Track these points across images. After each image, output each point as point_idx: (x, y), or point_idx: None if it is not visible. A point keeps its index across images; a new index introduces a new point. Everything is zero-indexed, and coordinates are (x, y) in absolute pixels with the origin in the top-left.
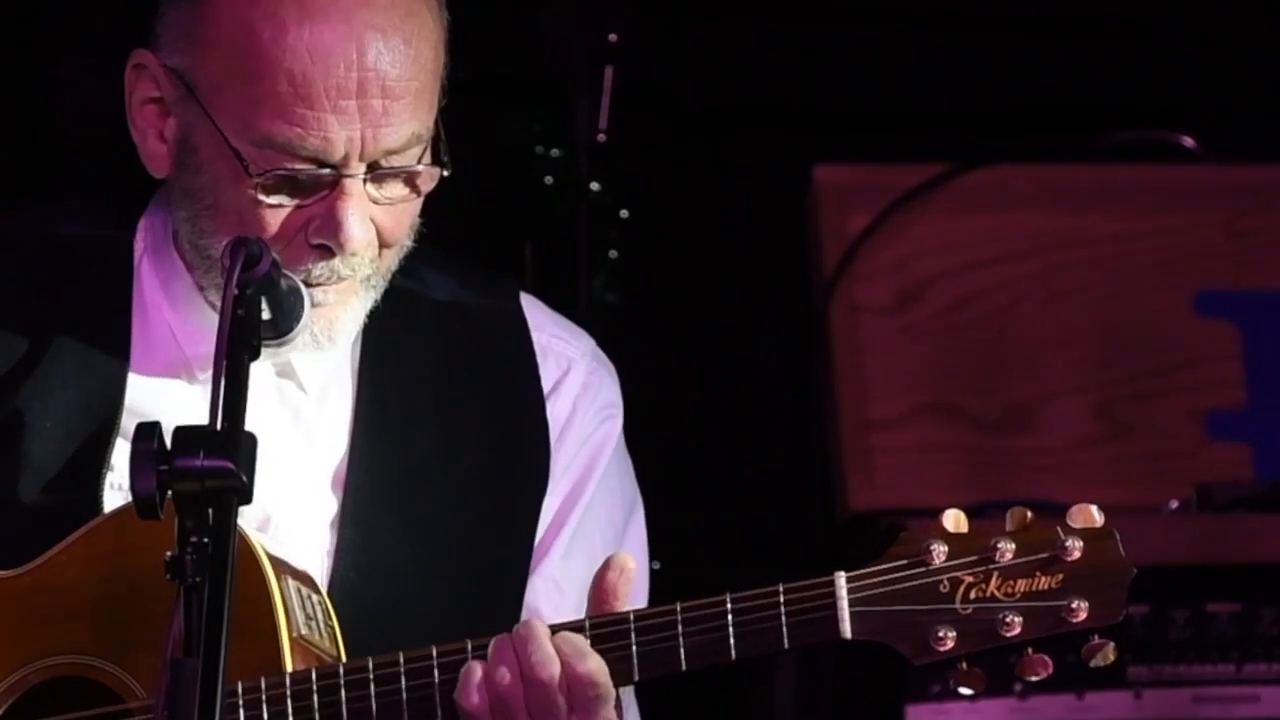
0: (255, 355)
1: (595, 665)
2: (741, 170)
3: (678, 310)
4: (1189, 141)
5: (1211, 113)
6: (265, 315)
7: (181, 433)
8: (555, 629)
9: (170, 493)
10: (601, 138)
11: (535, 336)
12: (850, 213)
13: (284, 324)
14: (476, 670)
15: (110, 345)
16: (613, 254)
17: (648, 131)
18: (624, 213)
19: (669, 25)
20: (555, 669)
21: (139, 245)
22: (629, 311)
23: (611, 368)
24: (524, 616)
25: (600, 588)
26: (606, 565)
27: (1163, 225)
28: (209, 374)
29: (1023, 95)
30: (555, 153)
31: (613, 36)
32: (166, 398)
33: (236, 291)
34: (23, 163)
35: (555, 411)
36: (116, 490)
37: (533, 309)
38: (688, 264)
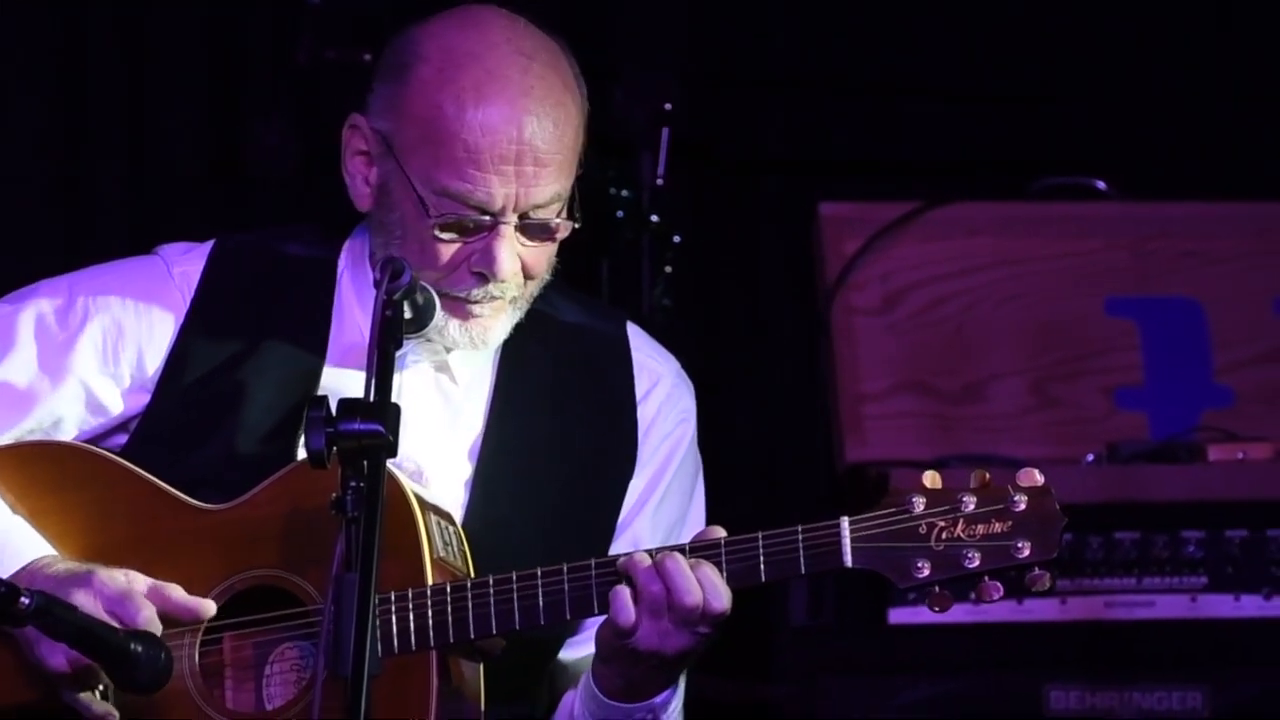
0: (399, 346)
1: (728, 600)
2: (765, 206)
3: (717, 311)
4: (1102, 184)
5: (1120, 162)
6: (407, 315)
7: (344, 403)
8: (661, 550)
9: (335, 449)
10: (660, 182)
11: (634, 355)
12: (847, 238)
13: (422, 321)
14: (624, 592)
15: (313, 339)
16: (668, 269)
17: (695, 177)
18: (677, 238)
19: (711, 97)
20: (698, 595)
21: (341, 263)
22: (680, 313)
23: (690, 384)
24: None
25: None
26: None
27: (1082, 248)
28: None
29: (977, 149)
30: (625, 194)
31: (668, 105)
32: (350, 381)
33: (385, 298)
34: (217, 196)
35: (644, 413)
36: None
37: (635, 334)
38: (724, 277)
